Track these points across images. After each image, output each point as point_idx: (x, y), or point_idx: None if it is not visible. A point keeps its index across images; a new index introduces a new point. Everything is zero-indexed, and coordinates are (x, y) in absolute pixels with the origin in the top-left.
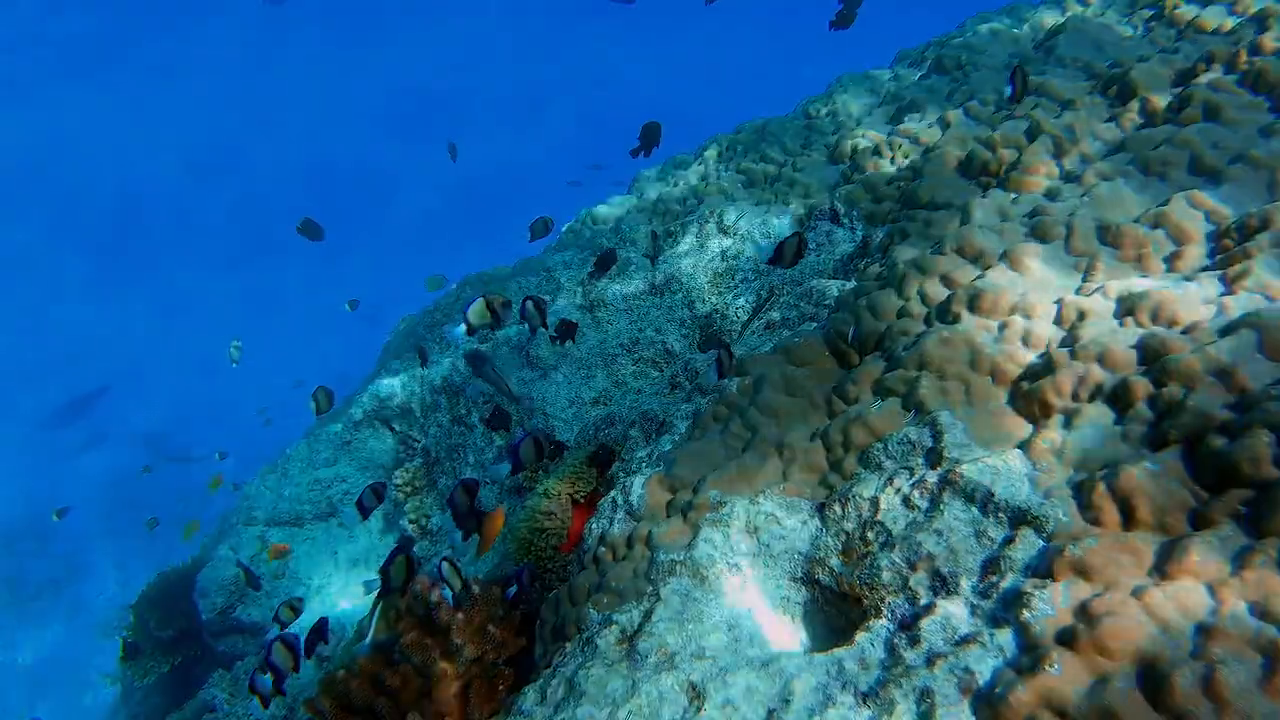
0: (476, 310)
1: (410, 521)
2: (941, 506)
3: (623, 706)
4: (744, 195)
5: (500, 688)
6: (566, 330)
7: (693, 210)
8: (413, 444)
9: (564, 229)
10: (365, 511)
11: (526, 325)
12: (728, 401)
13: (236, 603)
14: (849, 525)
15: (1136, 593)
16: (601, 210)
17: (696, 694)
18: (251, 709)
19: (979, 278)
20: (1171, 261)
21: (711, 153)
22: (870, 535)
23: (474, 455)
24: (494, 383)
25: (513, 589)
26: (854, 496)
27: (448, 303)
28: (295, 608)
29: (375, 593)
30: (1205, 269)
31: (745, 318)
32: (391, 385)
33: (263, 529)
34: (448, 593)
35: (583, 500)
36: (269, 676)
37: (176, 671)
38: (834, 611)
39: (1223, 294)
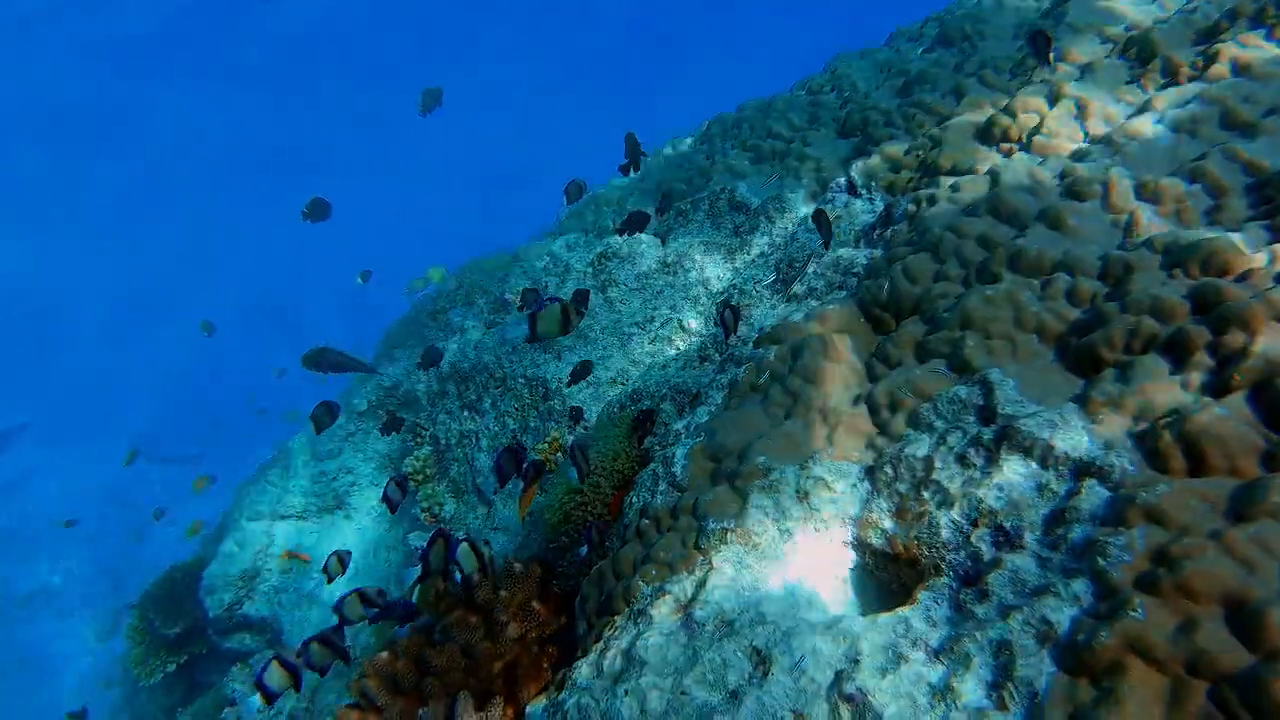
0: (550, 318)
1: (422, 510)
2: (1000, 462)
3: (686, 674)
4: (753, 172)
5: (544, 665)
6: (580, 299)
7: (700, 188)
8: (421, 432)
9: (565, 214)
10: (393, 505)
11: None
12: (766, 369)
13: (244, 598)
14: (902, 486)
15: (1216, 535)
16: (602, 192)
17: (761, 659)
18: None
19: (1018, 236)
20: (1212, 215)
21: (716, 131)
22: (926, 495)
23: (487, 440)
24: (346, 367)
25: (583, 549)
26: (906, 457)
27: (450, 289)
28: (344, 560)
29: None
30: (1249, 220)
31: (765, 291)
32: (395, 374)
33: (268, 523)
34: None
35: (621, 477)
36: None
37: (182, 670)
38: (886, 575)
39: (1271, 242)
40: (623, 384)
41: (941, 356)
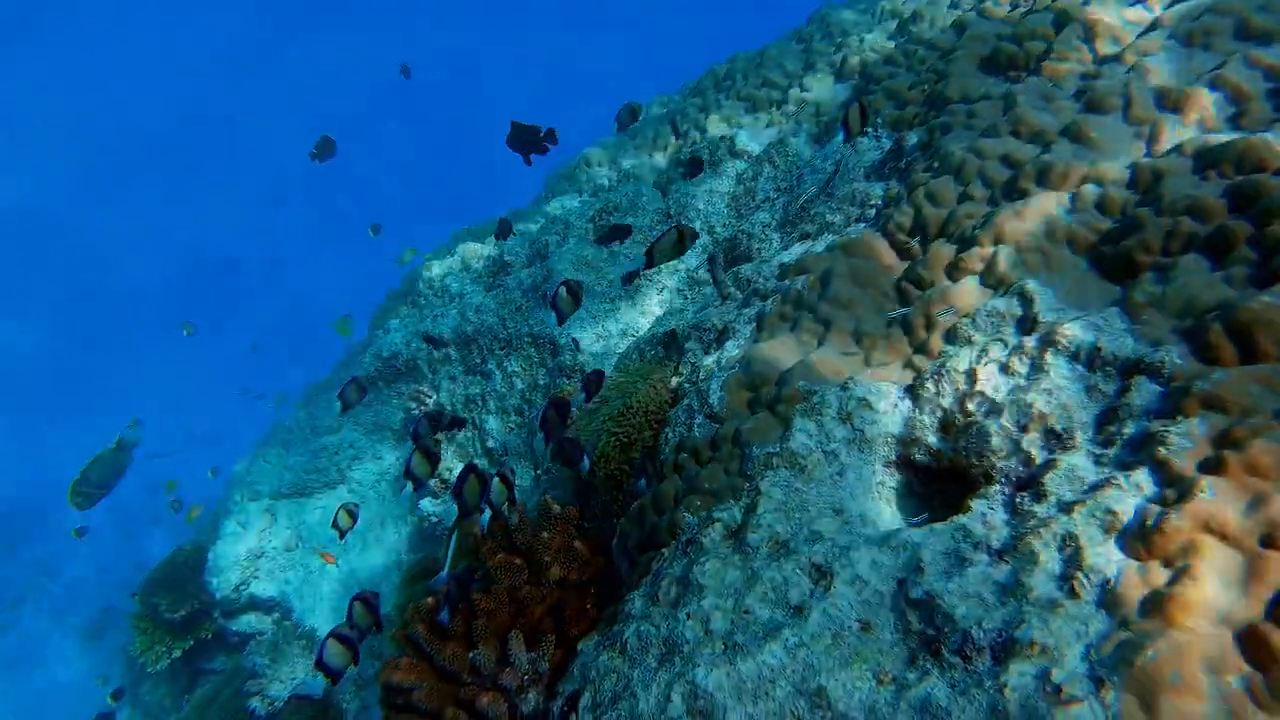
0: (667, 245)
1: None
2: (1046, 367)
3: (747, 595)
4: (750, 121)
5: (588, 606)
6: (617, 233)
7: (695, 141)
8: (424, 400)
9: (554, 176)
10: (346, 405)
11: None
12: (795, 300)
13: (251, 578)
14: (945, 401)
15: (1279, 415)
16: (594, 151)
17: (822, 574)
18: (297, 674)
19: (1043, 153)
20: (1236, 121)
21: (708, 83)
22: (971, 406)
23: (495, 401)
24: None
25: (641, 481)
26: (948, 371)
27: (445, 253)
28: (353, 513)
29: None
30: (1275, 121)
31: (773, 235)
32: (394, 343)
33: (269, 502)
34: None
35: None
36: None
37: (189, 656)
38: (929, 493)
39: None
40: (634, 336)
41: (974, 274)
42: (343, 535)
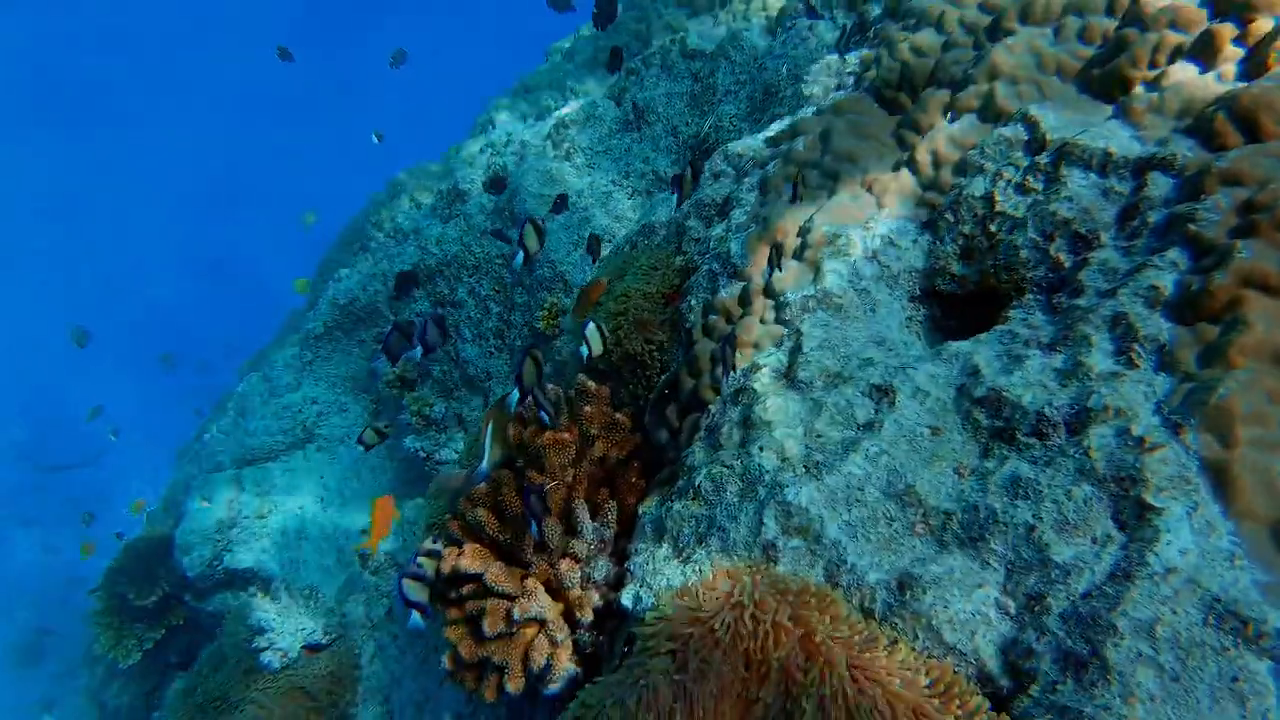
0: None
1: (412, 414)
2: (1061, 178)
3: (816, 421)
4: (694, 25)
5: (635, 479)
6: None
7: (639, 51)
8: None
9: (493, 105)
10: (394, 357)
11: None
12: (798, 160)
13: (224, 552)
14: (965, 228)
15: None
16: (530, 79)
17: (883, 393)
18: (308, 629)
19: None
20: None
21: None
22: (993, 227)
23: (471, 330)
24: None
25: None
26: (965, 199)
27: (386, 197)
28: (382, 431)
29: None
30: None
31: (743, 125)
32: (350, 288)
33: (233, 471)
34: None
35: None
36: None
37: (159, 649)
38: (955, 325)
39: None
40: (609, 240)
41: (972, 111)
42: (368, 449)
